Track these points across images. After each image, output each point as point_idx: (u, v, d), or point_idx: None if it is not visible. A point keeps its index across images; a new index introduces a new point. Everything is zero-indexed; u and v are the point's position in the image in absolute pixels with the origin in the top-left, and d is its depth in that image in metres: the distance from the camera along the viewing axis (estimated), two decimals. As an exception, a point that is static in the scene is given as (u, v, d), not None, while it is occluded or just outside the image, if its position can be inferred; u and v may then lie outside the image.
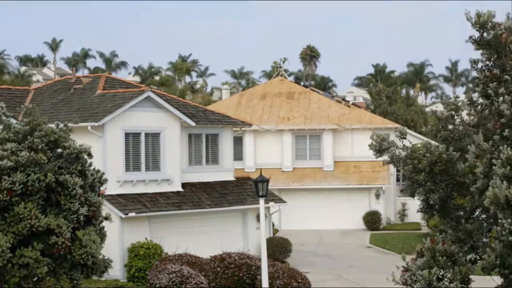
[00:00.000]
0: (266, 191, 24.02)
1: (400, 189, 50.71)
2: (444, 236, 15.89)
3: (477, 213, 16.13)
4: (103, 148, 31.28)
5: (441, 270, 15.06)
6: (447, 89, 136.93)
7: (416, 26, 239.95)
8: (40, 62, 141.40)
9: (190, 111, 35.48)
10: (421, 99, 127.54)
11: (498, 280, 15.46)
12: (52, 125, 19.52)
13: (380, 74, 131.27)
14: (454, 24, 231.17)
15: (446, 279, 14.95)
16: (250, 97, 56.53)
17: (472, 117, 16.17)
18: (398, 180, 52.15)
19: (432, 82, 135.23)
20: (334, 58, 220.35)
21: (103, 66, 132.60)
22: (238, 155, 46.62)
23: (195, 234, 33.25)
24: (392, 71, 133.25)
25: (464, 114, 16.33)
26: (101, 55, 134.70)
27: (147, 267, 30.04)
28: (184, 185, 34.11)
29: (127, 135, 32.31)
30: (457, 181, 15.74)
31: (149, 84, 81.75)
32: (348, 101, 61.00)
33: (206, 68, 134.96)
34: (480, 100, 15.71)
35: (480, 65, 15.31)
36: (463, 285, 15.10)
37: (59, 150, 19.34)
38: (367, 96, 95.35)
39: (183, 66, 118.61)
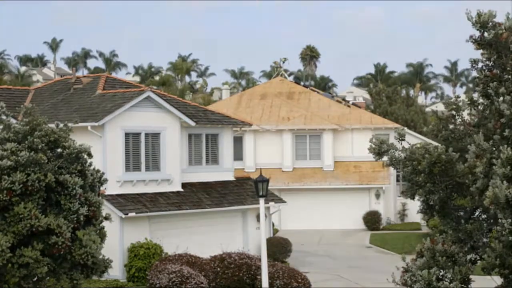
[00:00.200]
0: (266, 191, 24.01)
1: (401, 190, 50.63)
2: (444, 237, 15.87)
3: (477, 213, 16.10)
4: (103, 148, 31.27)
5: (441, 270, 15.04)
6: (447, 89, 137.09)
7: (416, 26, 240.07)
8: (40, 62, 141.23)
9: (190, 111, 35.47)
10: (421, 99, 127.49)
11: (498, 280, 15.44)
12: (52, 125, 19.54)
13: (380, 74, 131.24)
14: (454, 24, 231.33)
15: (446, 279, 14.93)
16: (250, 97, 56.50)
17: (472, 117, 16.14)
18: (398, 180, 52.05)
19: (432, 82, 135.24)
20: (334, 58, 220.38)
21: (103, 66, 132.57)
22: (238, 155, 46.60)
23: (195, 234, 33.24)
24: (392, 71, 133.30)
25: (465, 114, 16.30)
26: (101, 55, 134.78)
27: (147, 267, 30.03)
28: (184, 185, 34.10)
29: (127, 135, 32.30)
30: (457, 181, 15.70)
31: (149, 84, 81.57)
32: (348, 101, 60.95)
33: (206, 68, 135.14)
34: (481, 100, 15.69)
35: (480, 64, 15.29)
36: (463, 285, 15.08)
37: (59, 150, 19.35)
38: (367, 96, 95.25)
39: (183, 66, 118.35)
